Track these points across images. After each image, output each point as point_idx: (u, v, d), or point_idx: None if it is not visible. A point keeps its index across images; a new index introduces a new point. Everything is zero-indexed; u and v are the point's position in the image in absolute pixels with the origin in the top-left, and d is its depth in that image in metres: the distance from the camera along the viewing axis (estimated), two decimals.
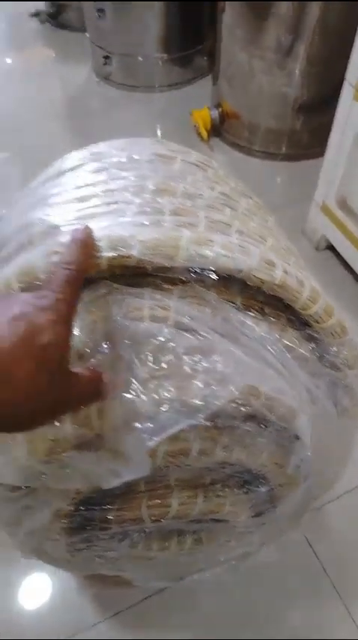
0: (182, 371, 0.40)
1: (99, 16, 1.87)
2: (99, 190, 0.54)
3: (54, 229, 0.49)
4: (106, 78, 2.06)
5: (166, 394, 0.39)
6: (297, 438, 0.46)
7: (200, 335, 0.42)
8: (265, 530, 0.58)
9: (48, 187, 0.60)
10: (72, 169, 0.61)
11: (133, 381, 0.40)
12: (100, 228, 0.45)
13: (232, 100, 1.68)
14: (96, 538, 0.54)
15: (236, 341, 0.44)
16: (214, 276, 0.44)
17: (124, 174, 0.56)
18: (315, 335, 0.48)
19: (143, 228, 0.46)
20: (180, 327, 0.43)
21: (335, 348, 0.48)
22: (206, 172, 0.62)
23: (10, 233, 0.57)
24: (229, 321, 0.45)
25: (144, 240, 0.43)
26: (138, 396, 0.40)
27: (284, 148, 1.68)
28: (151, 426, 0.38)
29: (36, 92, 2.05)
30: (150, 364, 0.41)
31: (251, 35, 1.48)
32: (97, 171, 0.58)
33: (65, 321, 0.35)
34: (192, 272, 0.44)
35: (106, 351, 0.42)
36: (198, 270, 0.44)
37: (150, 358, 0.41)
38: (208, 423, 0.41)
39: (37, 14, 2.38)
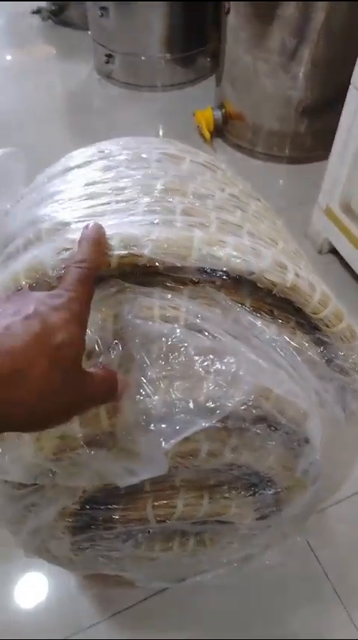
0: (194, 372, 0.40)
1: (102, 14, 1.86)
2: (108, 188, 0.53)
3: (62, 226, 0.49)
4: (108, 76, 2.05)
5: (178, 394, 0.39)
6: (306, 441, 0.46)
7: (211, 336, 0.42)
8: (269, 533, 0.58)
9: (55, 184, 0.59)
10: (79, 166, 0.60)
11: (144, 380, 0.40)
12: (110, 226, 0.44)
13: (235, 101, 1.68)
14: (100, 537, 0.54)
15: (247, 342, 0.44)
16: (226, 278, 0.44)
17: (133, 172, 0.56)
18: (324, 339, 0.48)
19: (154, 227, 0.45)
20: (191, 327, 0.42)
21: (343, 353, 0.48)
22: (215, 173, 0.61)
23: (16, 229, 0.56)
24: (240, 323, 0.45)
25: (156, 240, 0.43)
26: (149, 396, 0.39)
27: (287, 151, 1.68)
28: (165, 427, 0.38)
29: (37, 90, 2.04)
30: (162, 364, 0.41)
31: (255, 37, 1.48)
32: (105, 169, 0.57)
33: (79, 320, 0.35)
34: (203, 272, 0.44)
35: (116, 350, 0.42)
36: (208, 271, 0.44)
37: (162, 358, 0.41)
38: (219, 425, 0.41)
39: (38, 11, 2.36)
